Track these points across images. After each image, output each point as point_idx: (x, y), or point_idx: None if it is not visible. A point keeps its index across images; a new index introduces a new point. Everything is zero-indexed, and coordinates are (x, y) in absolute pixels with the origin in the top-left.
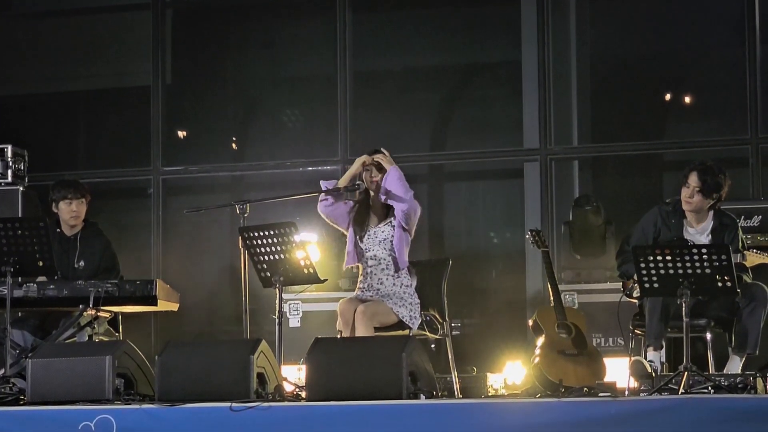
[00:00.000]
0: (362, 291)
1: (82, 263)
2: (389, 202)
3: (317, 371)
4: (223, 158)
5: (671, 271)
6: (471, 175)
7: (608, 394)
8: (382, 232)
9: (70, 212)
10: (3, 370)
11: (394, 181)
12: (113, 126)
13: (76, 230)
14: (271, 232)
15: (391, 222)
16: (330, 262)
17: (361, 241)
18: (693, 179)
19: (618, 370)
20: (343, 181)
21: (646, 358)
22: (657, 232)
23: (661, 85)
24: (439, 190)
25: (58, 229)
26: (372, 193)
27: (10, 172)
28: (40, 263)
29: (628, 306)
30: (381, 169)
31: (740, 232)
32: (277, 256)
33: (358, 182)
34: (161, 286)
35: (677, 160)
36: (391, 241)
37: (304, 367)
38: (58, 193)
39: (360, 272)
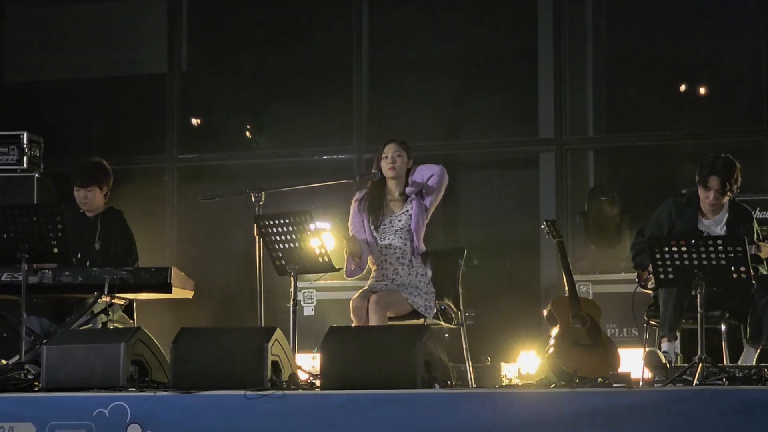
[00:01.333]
0: (376, 281)
1: (99, 244)
2: (418, 185)
3: (332, 360)
4: (239, 146)
5: (686, 263)
6: (486, 164)
7: (622, 384)
8: (399, 221)
9: (79, 199)
10: (18, 357)
11: (422, 170)
12: (129, 113)
13: (97, 213)
14: (287, 221)
15: (407, 211)
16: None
17: (376, 231)
18: (714, 183)
19: (632, 361)
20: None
21: (660, 349)
22: (672, 223)
23: (677, 75)
24: (454, 179)
25: (81, 210)
26: (388, 182)
27: (25, 158)
28: (55, 250)
29: (643, 297)
30: (399, 158)
31: (755, 224)
32: (292, 245)
33: (373, 171)
34: (176, 274)
35: (693, 151)
36: (408, 230)
37: (318, 356)
38: (72, 177)
39: (371, 262)
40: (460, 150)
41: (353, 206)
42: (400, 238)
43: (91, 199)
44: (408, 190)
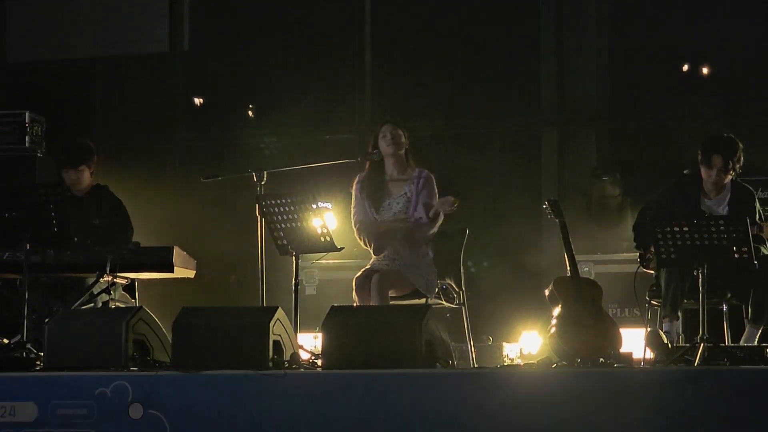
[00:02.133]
0: (378, 260)
1: (99, 219)
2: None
3: (333, 339)
4: (241, 126)
5: (688, 243)
6: (488, 144)
7: (624, 365)
8: (397, 203)
9: (70, 180)
10: (20, 335)
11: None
12: (131, 92)
13: (86, 191)
14: (289, 200)
15: (406, 194)
16: (347, 231)
17: (377, 212)
18: (717, 161)
19: (634, 341)
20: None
21: (662, 329)
22: (674, 203)
23: (682, 55)
24: (456, 158)
25: (69, 193)
26: (387, 163)
27: (27, 138)
28: (55, 229)
29: (645, 277)
30: (398, 136)
31: (758, 204)
32: (294, 225)
33: (375, 151)
34: (178, 253)
35: (697, 132)
36: (406, 212)
37: (320, 335)
38: (59, 160)
39: None
40: (462, 129)
41: (355, 189)
42: (399, 220)
43: (81, 179)
44: (417, 173)
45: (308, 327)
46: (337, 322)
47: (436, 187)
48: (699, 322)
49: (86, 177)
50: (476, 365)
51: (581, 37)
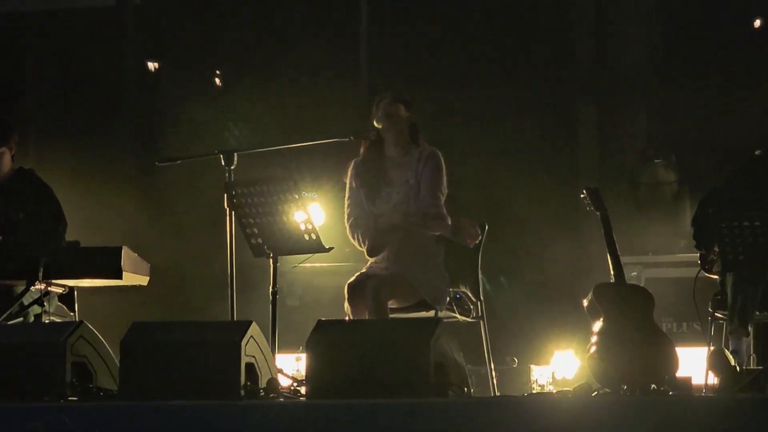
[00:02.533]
0: (376, 263)
1: (23, 213)
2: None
3: (320, 362)
4: (205, 96)
5: (761, 240)
6: (512, 119)
7: (681, 392)
8: (397, 193)
9: None
10: None
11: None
12: (72, 54)
13: (6, 177)
14: (265, 189)
15: (408, 181)
16: (337, 227)
17: (373, 205)
18: None
19: (694, 363)
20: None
21: (728, 348)
22: (743, 191)
23: (753, 7)
24: (474, 136)
25: None
26: (386, 144)
27: None
28: None
29: (707, 283)
30: (394, 111)
31: None
32: (271, 219)
33: (371, 128)
34: (127, 255)
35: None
36: (409, 204)
37: (303, 357)
38: None
39: None
40: (479, 102)
41: (349, 177)
42: (400, 213)
43: (1, 163)
44: (419, 154)
45: (289, 346)
46: (326, 340)
47: (443, 172)
48: None
49: (7, 161)
50: (498, 393)
51: None
